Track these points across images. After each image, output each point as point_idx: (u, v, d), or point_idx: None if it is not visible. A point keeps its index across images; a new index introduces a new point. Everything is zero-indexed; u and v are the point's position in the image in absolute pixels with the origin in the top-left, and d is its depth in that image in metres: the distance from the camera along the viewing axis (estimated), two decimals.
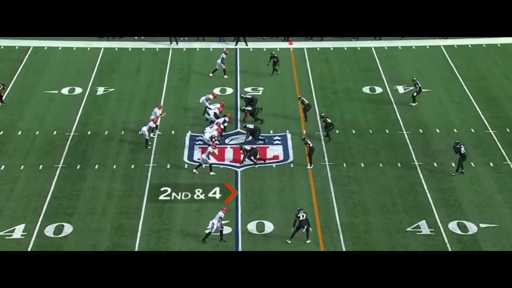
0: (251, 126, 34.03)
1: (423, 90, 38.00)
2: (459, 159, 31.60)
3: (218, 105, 35.35)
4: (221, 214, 27.54)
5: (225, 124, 34.47)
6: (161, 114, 34.77)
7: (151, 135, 33.90)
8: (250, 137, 33.83)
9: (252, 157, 32.15)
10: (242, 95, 36.64)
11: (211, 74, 40.03)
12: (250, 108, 35.57)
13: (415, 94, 37.26)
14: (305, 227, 27.22)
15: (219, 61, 39.83)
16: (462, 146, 31.71)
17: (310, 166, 31.99)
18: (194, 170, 31.64)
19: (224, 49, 40.75)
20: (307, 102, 35.98)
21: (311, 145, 31.98)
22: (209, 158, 31.65)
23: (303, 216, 27.24)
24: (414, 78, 37.76)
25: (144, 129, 33.48)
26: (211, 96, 36.07)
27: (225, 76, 39.84)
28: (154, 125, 34.03)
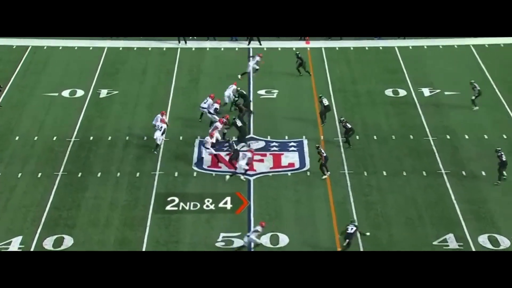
0: (239, 123, 34.15)
1: (450, 93, 37.94)
2: (499, 166, 31.50)
3: (213, 102, 35.56)
4: (258, 228, 27.59)
5: (226, 127, 34.56)
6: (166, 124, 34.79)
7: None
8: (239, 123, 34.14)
9: (232, 160, 32.24)
10: (239, 89, 36.75)
11: (239, 76, 40.09)
12: (242, 102, 35.72)
13: (474, 97, 37.04)
14: (351, 239, 27.28)
15: (252, 64, 39.87)
16: (502, 153, 31.68)
17: (327, 173, 31.93)
18: (227, 177, 31.75)
19: (260, 54, 40.69)
20: (326, 104, 35.92)
21: (324, 154, 31.94)
22: (247, 165, 31.69)
23: (352, 229, 27.42)
24: (472, 81, 37.62)
25: (158, 134, 33.57)
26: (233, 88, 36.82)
27: (239, 76, 39.89)
28: (165, 126, 34.13)
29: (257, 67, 40.32)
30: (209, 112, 35.35)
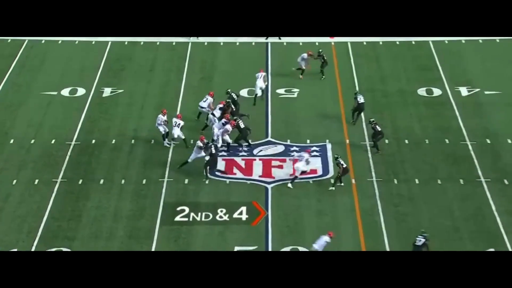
0: (242, 125, 34.29)
1: (491, 92, 37.73)
2: None
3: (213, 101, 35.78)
4: (327, 238, 27.80)
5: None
6: (166, 121, 34.75)
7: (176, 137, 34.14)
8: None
9: (208, 166, 32.53)
10: (229, 90, 36.63)
11: (301, 76, 40.08)
12: (234, 109, 35.70)
13: None
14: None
15: (302, 61, 39.96)
16: None
17: (341, 184, 31.91)
18: (290, 185, 32.03)
19: (309, 51, 40.54)
20: (361, 101, 35.84)
21: (344, 165, 31.81)
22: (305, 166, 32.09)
23: (419, 241, 27.67)
24: None
25: (177, 132, 33.86)
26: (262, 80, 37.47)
27: (298, 74, 40.00)
28: (182, 122, 34.22)
29: (303, 66, 40.07)
30: (212, 114, 35.22)
